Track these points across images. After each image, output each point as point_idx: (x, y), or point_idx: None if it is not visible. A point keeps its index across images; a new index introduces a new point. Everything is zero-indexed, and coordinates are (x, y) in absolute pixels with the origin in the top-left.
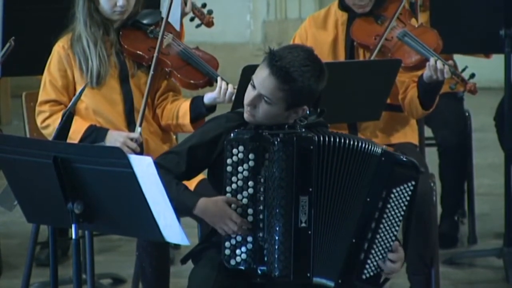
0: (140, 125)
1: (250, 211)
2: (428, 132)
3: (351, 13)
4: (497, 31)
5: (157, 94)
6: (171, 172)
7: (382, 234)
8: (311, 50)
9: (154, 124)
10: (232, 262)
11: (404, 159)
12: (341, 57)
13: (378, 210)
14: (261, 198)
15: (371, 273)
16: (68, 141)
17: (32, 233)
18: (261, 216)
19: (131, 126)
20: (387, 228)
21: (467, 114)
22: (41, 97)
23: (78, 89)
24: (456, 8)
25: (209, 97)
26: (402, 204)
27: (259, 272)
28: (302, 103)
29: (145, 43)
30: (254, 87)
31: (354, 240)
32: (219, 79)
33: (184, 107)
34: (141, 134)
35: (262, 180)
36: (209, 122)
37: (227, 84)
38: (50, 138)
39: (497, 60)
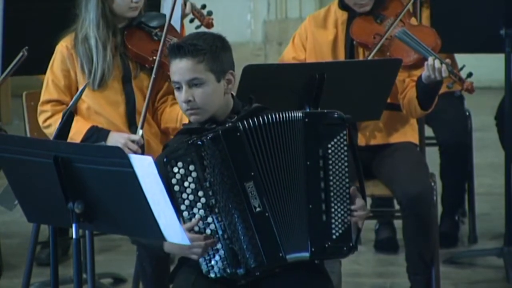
0: (142, 127)
1: (209, 219)
2: (428, 131)
3: (351, 12)
4: (498, 30)
5: (157, 97)
6: None
7: (335, 191)
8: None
9: (154, 126)
10: (212, 274)
11: (329, 113)
12: (341, 57)
13: (321, 169)
14: (213, 202)
15: (340, 231)
16: (69, 141)
17: (32, 232)
18: (220, 219)
19: (132, 128)
20: (337, 182)
21: (467, 113)
22: (44, 96)
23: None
24: (456, 7)
25: None
26: (342, 156)
27: (240, 274)
28: (225, 67)
29: (149, 45)
30: (178, 87)
31: (310, 206)
32: None
33: (179, 112)
34: (142, 136)
35: (208, 185)
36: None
37: None
38: (51, 138)
39: (498, 60)
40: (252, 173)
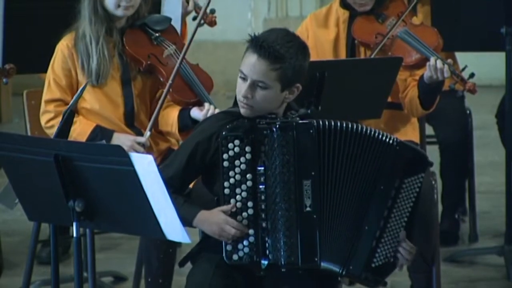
0: (150, 130)
1: (250, 204)
2: (429, 130)
3: (353, 11)
4: (498, 29)
5: (155, 98)
6: (170, 185)
7: (392, 224)
8: (287, 29)
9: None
10: (235, 257)
11: (417, 150)
12: (342, 55)
13: (391, 199)
14: (262, 189)
15: (380, 262)
16: (70, 140)
17: (33, 231)
18: (263, 207)
19: (130, 129)
20: (397, 217)
21: (468, 111)
22: (46, 95)
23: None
24: (457, 6)
25: (195, 115)
26: (411, 195)
27: (263, 264)
28: (295, 80)
29: (146, 49)
30: (244, 78)
31: (366, 227)
32: (206, 104)
33: (172, 116)
34: (149, 139)
35: (262, 170)
36: (199, 126)
37: (215, 108)
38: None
39: (498, 58)
40: (313, 173)
